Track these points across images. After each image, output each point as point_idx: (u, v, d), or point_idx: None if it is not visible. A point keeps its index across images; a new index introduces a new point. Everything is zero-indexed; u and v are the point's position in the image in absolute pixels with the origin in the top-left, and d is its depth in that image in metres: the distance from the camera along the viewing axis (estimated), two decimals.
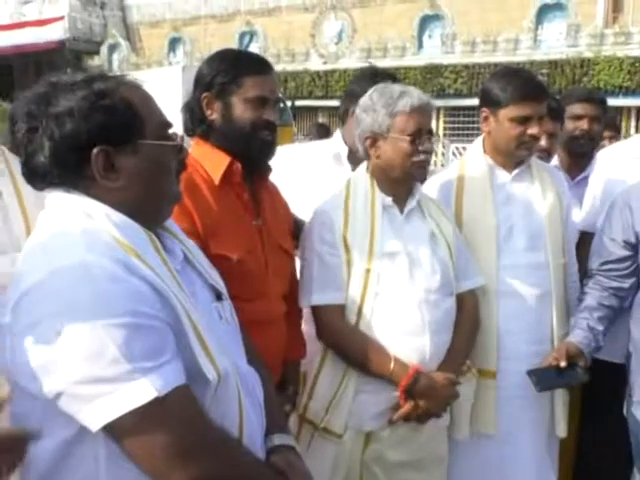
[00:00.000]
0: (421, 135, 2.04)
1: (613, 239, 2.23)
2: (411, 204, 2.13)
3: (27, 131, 1.18)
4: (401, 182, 2.11)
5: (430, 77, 11.71)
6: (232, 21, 14.65)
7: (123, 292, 1.10)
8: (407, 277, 2.04)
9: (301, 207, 2.26)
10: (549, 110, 2.44)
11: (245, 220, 1.92)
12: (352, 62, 12.85)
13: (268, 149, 1.94)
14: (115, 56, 15.55)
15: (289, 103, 12.46)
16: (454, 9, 12.04)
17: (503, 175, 2.38)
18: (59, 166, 1.19)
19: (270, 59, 2.21)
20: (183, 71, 10.89)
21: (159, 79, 8.83)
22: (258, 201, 1.98)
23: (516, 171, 2.37)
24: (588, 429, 2.66)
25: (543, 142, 2.71)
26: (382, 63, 12.29)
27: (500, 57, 11.29)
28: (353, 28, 13.23)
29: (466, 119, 13.73)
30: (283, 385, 2.07)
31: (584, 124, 3.08)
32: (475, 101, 2.55)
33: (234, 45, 13.96)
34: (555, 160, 3.26)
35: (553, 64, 10.59)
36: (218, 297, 1.41)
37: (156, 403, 1.07)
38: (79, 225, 1.17)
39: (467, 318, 2.18)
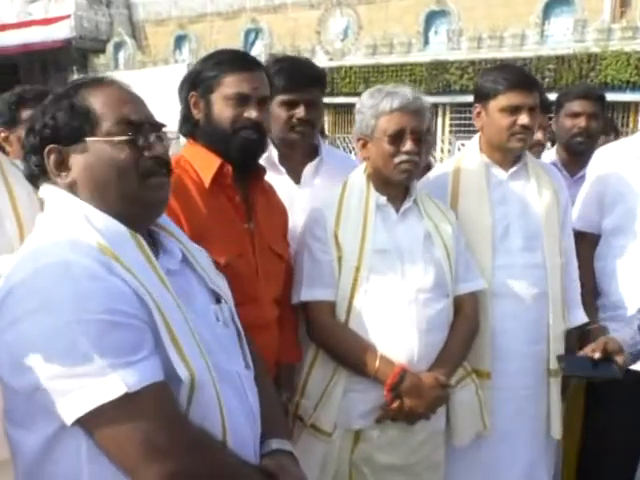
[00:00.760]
0: (403, 136, 2.01)
1: None
2: (407, 204, 2.12)
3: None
4: (392, 182, 2.10)
5: (436, 73, 11.61)
6: (238, 18, 14.60)
7: (102, 290, 1.12)
8: (398, 276, 2.02)
9: None
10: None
11: (236, 223, 1.88)
12: (358, 59, 12.78)
13: (250, 148, 1.86)
14: (121, 54, 15.53)
15: None
16: (460, 5, 11.94)
17: (499, 173, 2.36)
18: (33, 167, 1.30)
19: None
20: (188, 69, 10.87)
21: (165, 77, 8.86)
22: (251, 204, 1.93)
23: (513, 169, 2.35)
24: (590, 416, 2.61)
25: (539, 135, 2.69)
26: (388, 59, 12.25)
27: (507, 53, 11.19)
28: (359, 25, 13.15)
29: (472, 115, 13.60)
30: (277, 390, 2.05)
31: (582, 121, 3.06)
32: None
33: (240, 42, 13.92)
34: (554, 157, 3.23)
35: (560, 59, 10.49)
36: (218, 300, 1.41)
37: (127, 399, 1.09)
38: (66, 227, 1.21)
39: (464, 321, 2.14)
